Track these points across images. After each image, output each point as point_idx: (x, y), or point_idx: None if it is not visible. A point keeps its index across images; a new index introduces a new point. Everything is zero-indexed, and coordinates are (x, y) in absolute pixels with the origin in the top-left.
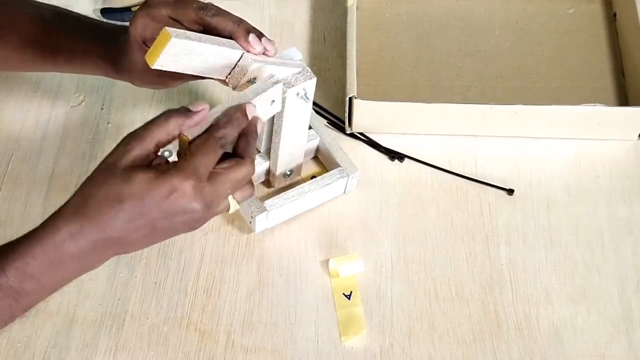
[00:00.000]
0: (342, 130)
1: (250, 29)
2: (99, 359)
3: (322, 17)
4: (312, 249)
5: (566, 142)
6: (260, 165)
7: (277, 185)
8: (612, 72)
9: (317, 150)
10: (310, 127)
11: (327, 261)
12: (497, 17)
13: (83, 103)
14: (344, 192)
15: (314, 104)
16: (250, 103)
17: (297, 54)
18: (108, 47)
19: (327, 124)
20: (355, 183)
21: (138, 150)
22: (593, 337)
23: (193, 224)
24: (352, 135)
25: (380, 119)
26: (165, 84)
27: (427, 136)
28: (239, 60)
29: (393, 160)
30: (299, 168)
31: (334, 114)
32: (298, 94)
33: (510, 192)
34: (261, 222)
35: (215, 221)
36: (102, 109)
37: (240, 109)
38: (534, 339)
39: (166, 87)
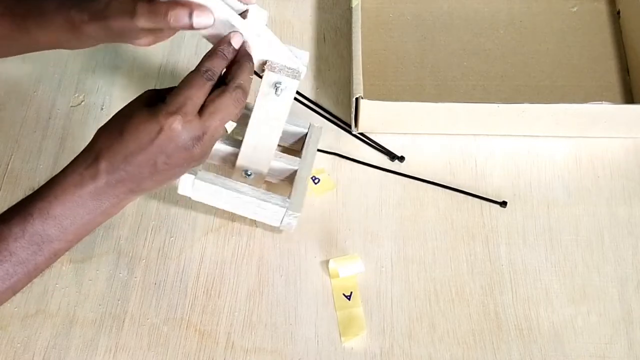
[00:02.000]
0: (346, 130)
1: None
2: (98, 359)
3: (322, 17)
4: (312, 250)
5: (566, 142)
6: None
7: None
8: (617, 69)
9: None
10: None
11: (327, 262)
12: (501, 16)
13: (83, 103)
14: (278, 226)
15: (315, 104)
16: (237, 32)
17: (305, 56)
18: None
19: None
20: (293, 224)
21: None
22: (593, 337)
23: (193, 158)
24: (355, 135)
25: (386, 119)
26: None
27: (433, 136)
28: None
29: (393, 161)
30: (260, 176)
31: (334, 113)
32: (275, 84)
33: (503, 204)
34: (185, 184)
35: (215, 221)
36: (102, 109)
37: (224, 39)
38: (534, 339)
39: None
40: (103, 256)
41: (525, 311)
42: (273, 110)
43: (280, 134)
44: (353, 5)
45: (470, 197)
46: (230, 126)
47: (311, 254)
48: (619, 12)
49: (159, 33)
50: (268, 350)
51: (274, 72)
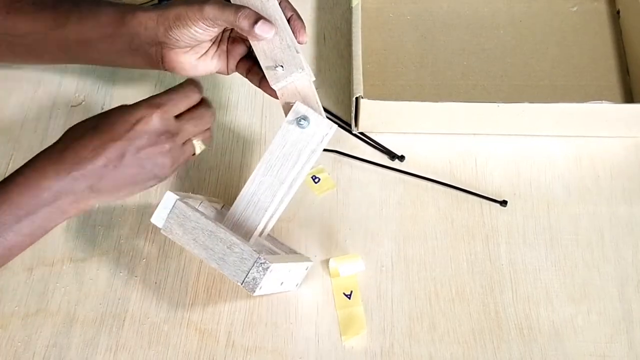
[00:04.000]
0: (346, 130)
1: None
2: (99, 358)
3: (323, 16)
4: (312, 249)
5: (566, 142)
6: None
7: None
8: (617, 69)
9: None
10: None
11: (327, 261)
12: (501, 16)
13: (83, 103)
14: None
15: None
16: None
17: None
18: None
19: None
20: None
21: None
22: (593, 336)
23: (159, 158)
24: (355, 134)
25: (386, 119)
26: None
27: (433, 135)
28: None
29: (393, 160)
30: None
31: (334, 113)
32: (301, 117)
33: (503, 203)
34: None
35: None
36: (102, 108)
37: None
38: (534, 338)
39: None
40: (103, 255)
41: (526, 310)
42: (290, 148)
43: (288, 195)
44: (353, 5)
45: (470, 197)
46: (199, 147)
47: (311, 253)
48: (618, 12)
49: (196, 51)
50: (269, 349)
51: (300, 112)
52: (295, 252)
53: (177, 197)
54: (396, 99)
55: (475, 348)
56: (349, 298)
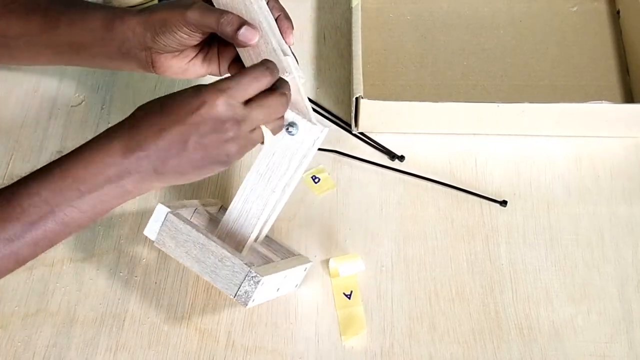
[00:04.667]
0: (346, 130)
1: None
2: (99, 358)
3: (323, 16)
4: (312, 249)
5: (566, 142)
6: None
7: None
8: (617, 69)
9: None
10: None
11: (327, 261)
12: (501, 16)
13: (83, 103)
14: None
15: (316, 104)
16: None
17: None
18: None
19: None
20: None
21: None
22: (593, 336)
23: (225, 146)
24: (355, 134)
25: (386, 119)
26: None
27: (433, 135)
28: None
29: (393, 160)
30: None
31: (334, 113)
32: (289, 124)
33: (503, 203)
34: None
35: None
36: (102, 109)
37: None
38: (534, 338)
39: (168, 72)
40: (103, 255)
41: (526, 310)
42: (284, 150)
43: (281, 201)
44: (353, 5)
45: (470, 197)
46: (269, 135)
47: (311, 253)
48: (618, 12)
49: (186, 55)
50: (269, 349)
51: (291, 110)
52: (294, 253)
53: (168, 209)
54: (396, 99)
55: (475, 348)
56: (349, 298)
